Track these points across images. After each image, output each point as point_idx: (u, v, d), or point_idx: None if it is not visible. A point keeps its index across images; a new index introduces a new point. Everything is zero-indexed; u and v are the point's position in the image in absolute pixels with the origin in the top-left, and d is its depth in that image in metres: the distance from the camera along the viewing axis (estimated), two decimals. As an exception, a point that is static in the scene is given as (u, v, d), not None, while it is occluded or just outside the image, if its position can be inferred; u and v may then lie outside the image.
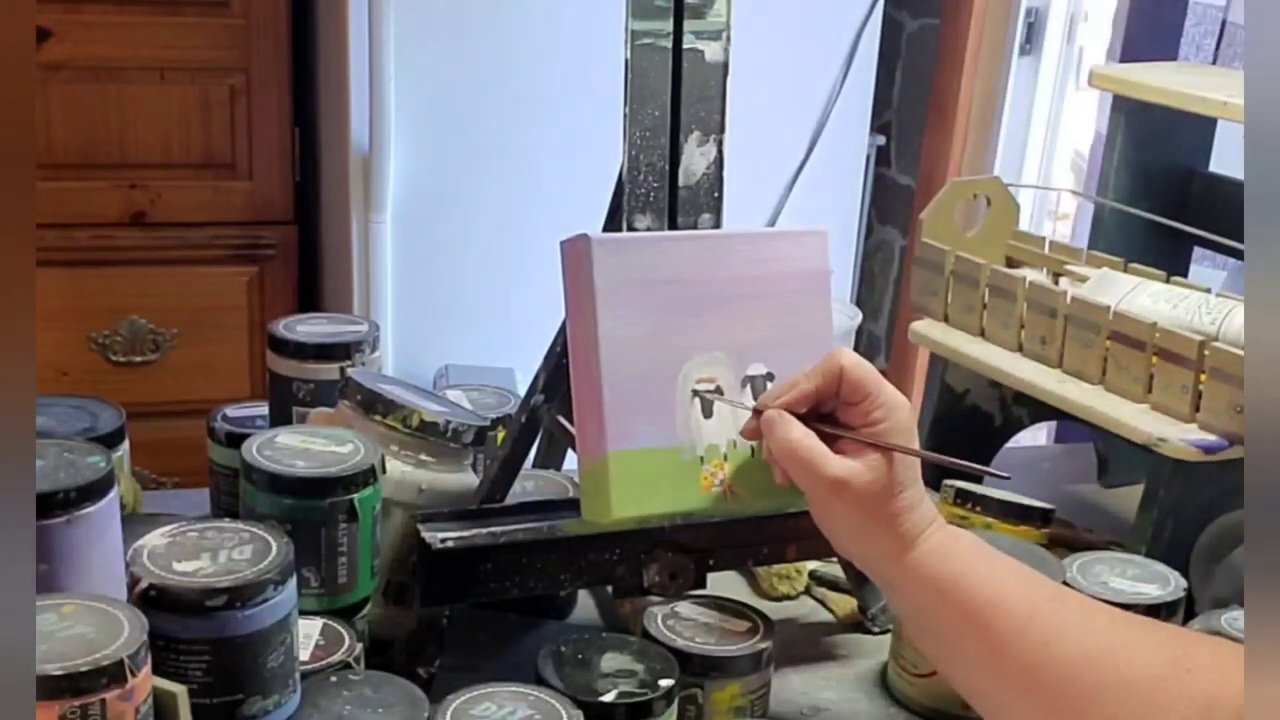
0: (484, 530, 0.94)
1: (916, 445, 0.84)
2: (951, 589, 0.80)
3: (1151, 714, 0.72)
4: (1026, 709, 0.77)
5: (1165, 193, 1.40)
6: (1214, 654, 0.74)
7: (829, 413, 0.85)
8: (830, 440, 0.83)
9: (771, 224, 2.24)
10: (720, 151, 0.92)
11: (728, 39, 0.91)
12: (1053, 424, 1.94)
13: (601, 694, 0.88)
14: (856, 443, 0.83)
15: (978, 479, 1.33)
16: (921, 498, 0.83)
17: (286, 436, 0.96)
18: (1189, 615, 1.03)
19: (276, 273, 2.35)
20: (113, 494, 0.84)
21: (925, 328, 1.33)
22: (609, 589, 1.01)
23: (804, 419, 0.84)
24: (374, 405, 0.99)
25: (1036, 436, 2.07)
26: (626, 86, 0.89)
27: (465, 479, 1.02)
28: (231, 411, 1.17)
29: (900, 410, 0.83)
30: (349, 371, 1.06)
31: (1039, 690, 0.76)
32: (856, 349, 2.49)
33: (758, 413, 0.86)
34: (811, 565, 1.18)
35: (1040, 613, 0.78)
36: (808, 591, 1.19)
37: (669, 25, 0.90)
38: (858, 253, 2.58)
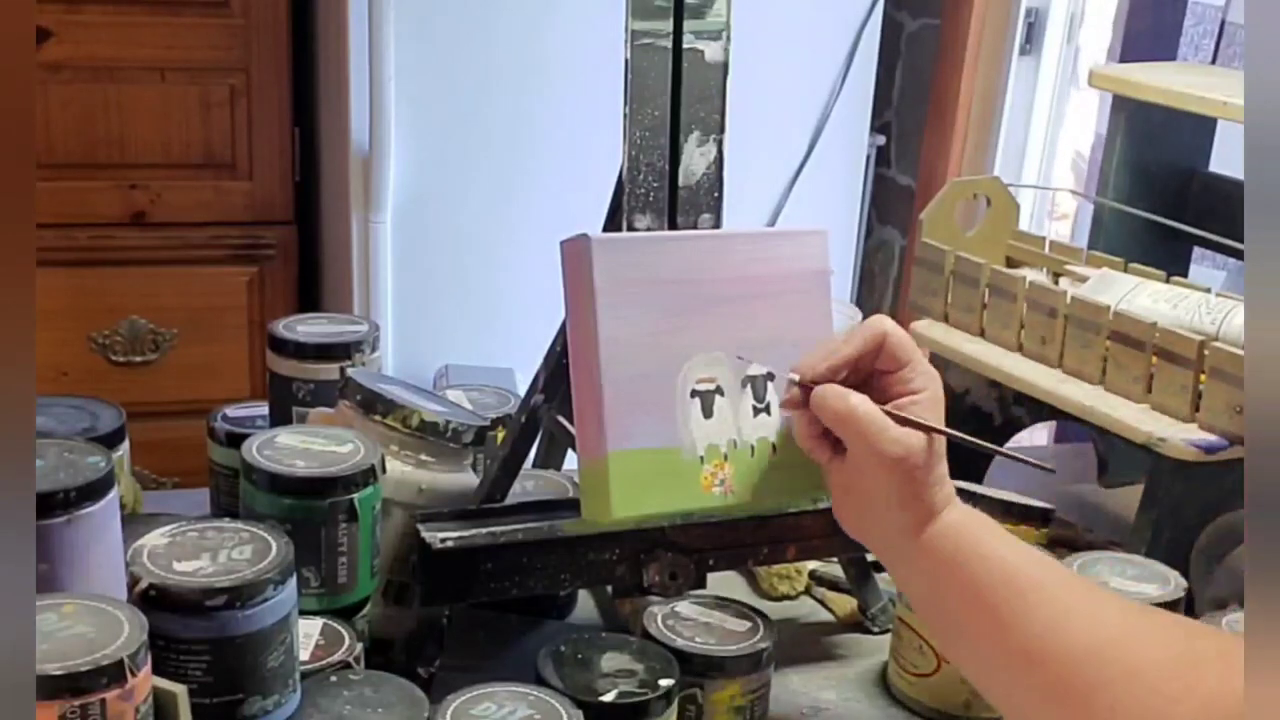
0: (484, 530, 0.94)
1: (943, 417, 0.84)
2: (963, 565, 0.80)
3: (1156, 703, 0.72)
4: (1030, 691, 0.77)
5: (1165, 193, 1.40)
6: (1222, 648, 0.74)
7: (858, 383, 0.84)
8: None
9: (771, 224, 2.24)
10: (720, 151, 0.92)
11: (728, 39, 0.91)
12: (1052, 424, 1.94)
13: (601, 694, 0.88)
14: (894, 415, 0.82)
15: (979, 479, 1.33)
16: (946, 473, 0.83)
17: (286, 436, 0.96)
18: (1189, 615, 1.03)
19: (276, 273, 2.35)
20: (113, 494, 0.84)
21: (925, 328, 1.33)
22: (609, 589, 1.01)
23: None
24: (374, 405, 0.99)
25: (1036, 436, 2.07)
26: (626, 86, 0.89)
27: (465, 479, 1.02)
28: (231, 411, 1.17)
29: (936, 381, 0.84)
30: (349, 371, 1.05)
31: (1044, 673, 0.76)
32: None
33: (799, 384, 0.85)
34: (811, 565, 1.18)
35: (1052, 595, 0.78)
36: (808, 591, 1.19)
37: (669, 25, 0.89)
38: (858, 253, 2.58)
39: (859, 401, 0.82)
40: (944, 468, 0.83)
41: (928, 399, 0.83)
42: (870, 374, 0.85)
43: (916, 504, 0.82)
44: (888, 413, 0.82)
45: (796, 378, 0.85)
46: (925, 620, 0.91)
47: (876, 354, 0.84)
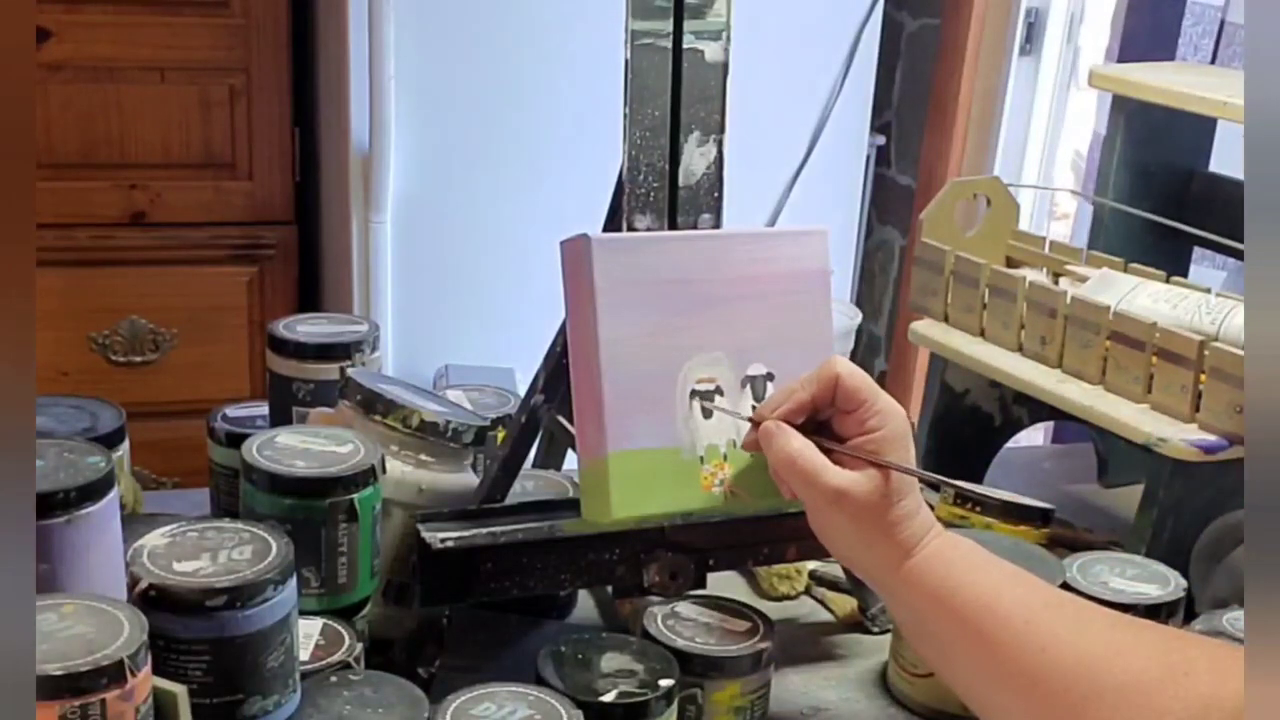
0: (484, 530, 0.94)
1: (912, 452, 0.84)
2: (949, 596, 0.81)
3: (1148, 716, 0.72)
4: (1024, 713, 0.78)
5: (1165, 193, 1.40)
6: (1211, 656, 0.75)
7: (825, 421, 0.85)
8: (827, 454, 0.83)
9: (771, 224, 2.24)
10: (720, 151, 0.92)
11: (728, 39, 0.91)
12: (1050, 424, 1.94)
13: (601, 694, 0.88)
14: (843, 456, 0.83)
15: (978, 479, 1.33)
16: (919, 506, 0.83)
17: (286, 436, 0.96)
18: (1189, 615, 1.03)
19: (276, 273, 2.35)
20: (113, 494, 0.84)
21: (925, 328, 1.33)
22: (609, 589, 1.01)
23: (802, 430, 0.84)
24: (374, 405, 0.99)
25: (1034, 437, 2.07)
26: (626, 86, 0.89)
27: (465, 479, 1.02)
28: (231, 411, 1.17)
29: (896, 418, 0.84)
30: (349, 371, 1.05)
31: (1036, 695, 0.77)
32: (856, 349, 2.49)
33: (756, 424, 0.86)
34: (811, 565, 1.18)
35: (1037, 619, 0.79)
36: (808, 591, 1.19)
37: (669, 25, 0.89)
38: (858, 253, 2.58)
39: (800, 446, 0.83)
40: (912, 502, 0.83)
41: (884, 437, 0.83)
42: (832, 415, 0.85)
43: (885, 542, 0.82)
44: (834, 452, 0.83)
45: (758, 418, 0.86)
46: (917, 648, 0.91)
47: (833, 395, 0.84)
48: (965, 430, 1.35)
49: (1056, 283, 1.29)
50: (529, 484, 1.10)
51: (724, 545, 0.99)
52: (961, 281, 1.29)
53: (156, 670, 0.74)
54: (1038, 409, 1.28)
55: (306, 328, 1.14)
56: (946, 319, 1.31)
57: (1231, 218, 1.25)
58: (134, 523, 0.90)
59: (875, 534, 0.82)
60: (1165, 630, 0.84)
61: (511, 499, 0.99)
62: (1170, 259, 1.34)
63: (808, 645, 1.12)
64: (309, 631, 0.90)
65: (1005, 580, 0.81)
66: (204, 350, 2.33)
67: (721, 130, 0.92)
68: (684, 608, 0.99)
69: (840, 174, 2.35)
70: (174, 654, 0.77)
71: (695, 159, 0.91)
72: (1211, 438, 1.09)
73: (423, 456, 1.00)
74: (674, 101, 0.90)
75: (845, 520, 0.83)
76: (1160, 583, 1.02)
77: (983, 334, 1.28)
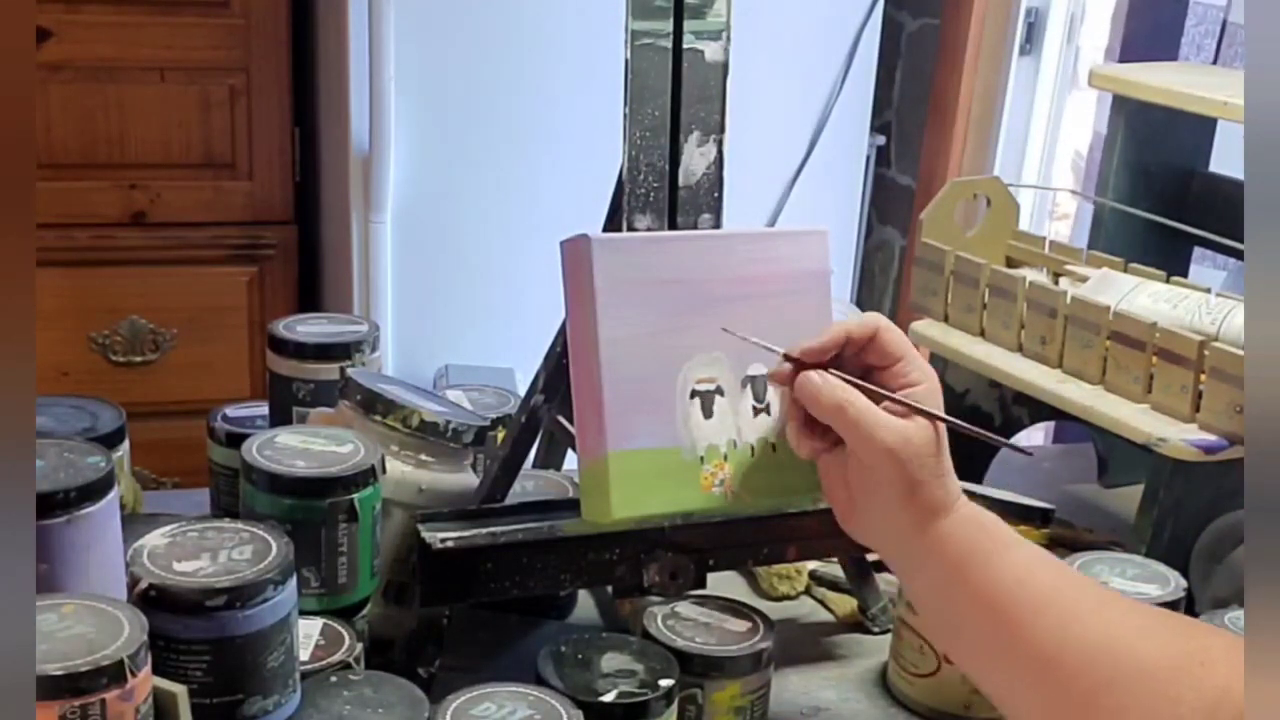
0: (484, 530, 0.94)
1: (942, 411, 0.83)
2: (972, 569, 0.80)
3: (1162, 704, 0.72)
4: (1037, 694, 0.77)
5: (1165, 193, 1.40)
6: (1228, 648, 0.74)
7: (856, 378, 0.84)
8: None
9: (771, 224, 2.24)
10: (720, 151, 0.92)
11: (728, 39, 0.91)
12: (1050, 424, 1.94)
13: (601, 694, 0.88)
14: (893, 405, 0.82)
15: (978, 479, 1.33)
16: (949, 469, 0.83)
17: (286, 436, 0.96)
18: (1189, 615, 1.03)
19: (276, 273, 2.35)
20: (113, 494, 0.84)
21: (925, 328, 1.33)
22: (609, 589, 1.01)
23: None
24: (374, 405, 0.99)
25: (1034, 437, 2.07)
26: (626, 86, 0.89)
27: (465, 479, 1.02)
28: (231, 411, 1.17)
29: (933, 376, 0.84)
30: (349, 371, 1.06)
31: (1052, 676, 0.76)
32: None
33: (794, 364, 0.84)
34: (811, 565, 1.18)
35: (1061, 596, 0.78)
36: (808, 591, 1.19)
37: (669, 25, 0.90)
38: (858, 253, 2.58)
39: (852, 395, 0.82)
40: (947, 463, 0.82)
41: (925, 391, 0.83)
42: (866, 371, 0.85)
43: (918, 500, 0.81)
44: (885, 398, 0.82)
45: (789, 355, 0.85)
46: (927, 618, 0.90)
47: (868, 343, 0.84)
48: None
49: (1056, 283, 1.29)
50: (529, 484, 1.10)
51: (724, 545, 0.99)
52: (961, 281, 1.29)
53: (156, 670, 0.74)
54: (1038, 409, 1.28)
55: (306, 328, 1.14)
56: (946, 319, 1.31)
57: (1231, 218, 1.25)
58: (134, 523, 0.90)
59: (909, 492, 0.81)
60: (1183, 619, 0.84)
61: (511, 499, 0.99)
62: (1170, 259, 1.34)
63: (808, 645, 1.12)
64: (309, 631, 0.90)
65: (1034, 558, 0.80)
66: (204, 350, 2.33)
67: (721, 130, 0.92)
68: (684, 608, 0.99)
69: (840, 174, 2.35)
70: (174, 654, 0.77)
71: (695, 159, 0.91)
72: (1211, 438, 1.09)
73: (423, 456, 1.00)
74: (674, 101, 0.90)
75: (893, 471, 0.81)
76: (1160, 583, 1.02)
77: (983, 334, 1.28)
